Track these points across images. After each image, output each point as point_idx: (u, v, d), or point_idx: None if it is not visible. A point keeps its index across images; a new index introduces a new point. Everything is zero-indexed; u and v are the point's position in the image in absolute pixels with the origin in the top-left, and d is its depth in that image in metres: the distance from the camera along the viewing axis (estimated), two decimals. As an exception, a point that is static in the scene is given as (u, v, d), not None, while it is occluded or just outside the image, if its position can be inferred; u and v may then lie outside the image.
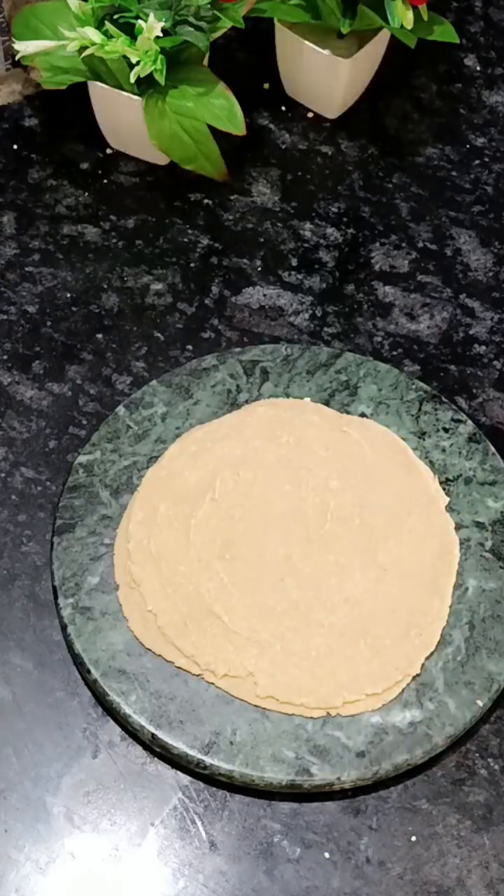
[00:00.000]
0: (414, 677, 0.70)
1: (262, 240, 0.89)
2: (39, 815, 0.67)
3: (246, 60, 0.96)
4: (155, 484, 0.75)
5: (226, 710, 0.69)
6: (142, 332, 0.84)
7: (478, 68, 0.99)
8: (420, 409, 0.80)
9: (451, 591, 0.73)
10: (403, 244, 0.90)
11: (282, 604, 0.71)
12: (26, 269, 0.86)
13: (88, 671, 0.70)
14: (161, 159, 0.90)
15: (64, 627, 0.71)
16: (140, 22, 0.81)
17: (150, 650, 0.70)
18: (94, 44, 0.82)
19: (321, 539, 0.73)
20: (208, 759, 0.67)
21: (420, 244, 0.90)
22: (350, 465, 0.76)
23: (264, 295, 0.86)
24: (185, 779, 0.68)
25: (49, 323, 0.84)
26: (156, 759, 0.69)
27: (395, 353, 0.84)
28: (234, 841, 0.67)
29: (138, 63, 0.82)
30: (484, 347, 0.85)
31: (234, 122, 0.85)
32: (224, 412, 0.79)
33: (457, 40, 0.90)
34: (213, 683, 0.69)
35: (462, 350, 0.85)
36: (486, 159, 0.94)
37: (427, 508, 0.75)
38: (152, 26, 0.80)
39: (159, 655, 0.70)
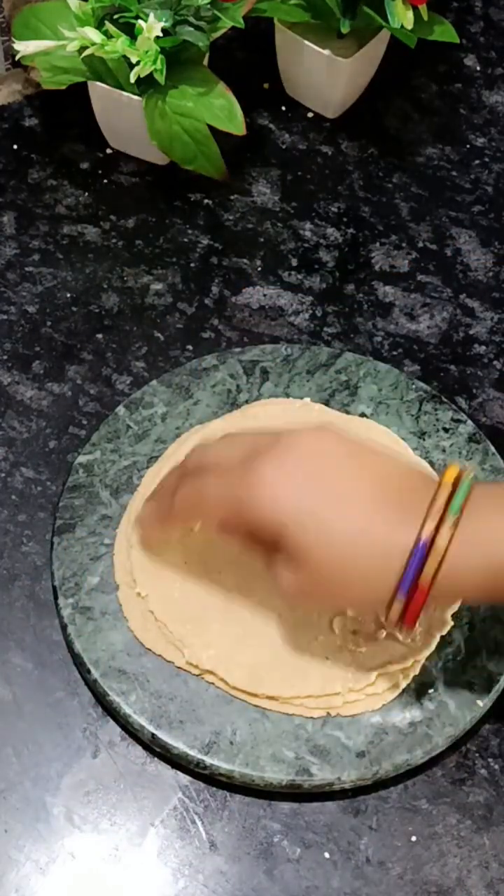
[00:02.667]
0: (414, 677, 0.70)
1: (262, 240, 0.89)
2: (39, 815, 0.67)
3: (246, 60, 0.96)
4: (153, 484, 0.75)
5: (226, 710, 0.69)
6: (142, 332, 0.84)
7: (478, 68, 1.00)
8: (420, 409, 0.80)
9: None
10: (403, 244, 0.90)
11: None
12: (26, 269, 0.86)
13: (88, 671, 0.70)
14: (161, 159, 0.90)
15: (64, 627, 0.71)
16: (140, 22, 0.81)
17: (150, 650, 0.70)
18: (94, 44, 0.82)
19: None
20: (208, 759, 0.67)
21: (420, 244, 0.90)
22: None
23: (264, 295, 0.86)
24: (185, 779, 0.68)
25: (49, 323, 0.84)
26: (156, 759, 0.69)
27: (395, 353, 0.84)
28: (234, 841, 0.67)
29: (138, 63, 0.82)
30: (484, 347, 0.85)
31: (234, 122, 0.85)
32: (224, 412, 0.79)
33: (457, 40, 0.90)
34: (212, 683, 0.69)
35: (462, 350, 0.85)
36: (486, 159, 0.94)
37: None
38: (152, 26, 0.80)
39: (159, 655, 0.70)
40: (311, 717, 0.68)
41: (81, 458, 0.77)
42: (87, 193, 0.90)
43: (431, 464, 0.77)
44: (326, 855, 0.67)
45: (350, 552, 0.61)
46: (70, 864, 0.66)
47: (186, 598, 0.71)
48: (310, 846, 0.67)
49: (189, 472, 0.67)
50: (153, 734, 0.68)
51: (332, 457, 0.63)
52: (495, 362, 0.84)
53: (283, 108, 0.96)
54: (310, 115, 0.96)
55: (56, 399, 0.81)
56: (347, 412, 0.79)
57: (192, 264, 0.88)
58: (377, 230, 0.90)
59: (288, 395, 0.80)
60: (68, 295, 0.86)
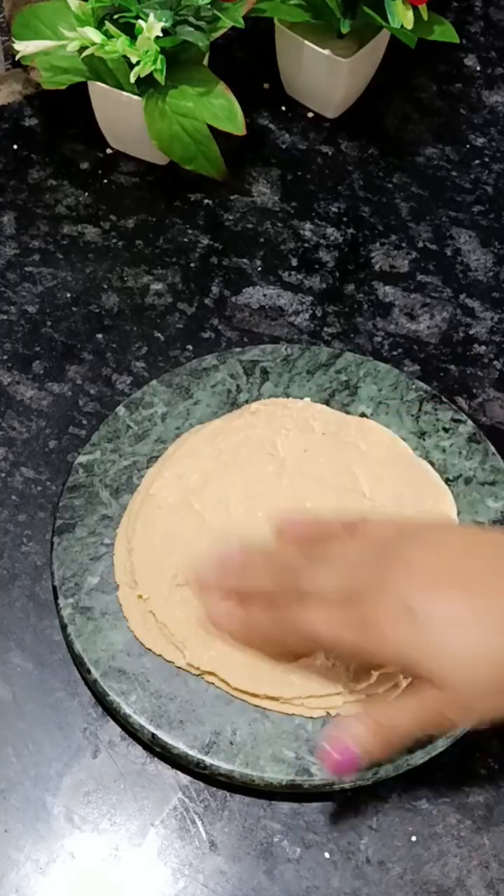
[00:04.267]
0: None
1: (262, 240, 0.89)
2: (39, 815, 0.67)
3: (246, 60, 0.96)
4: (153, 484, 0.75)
5: (226, 710, 0.69)
6: (142, 332, 0.84)
7: (478, 68, 1.00)
8: (420, 409, 0.80)
9: None
10: (403, 244, 0.90)
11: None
12: (26, 269, 0.86)
13: (88, 671, 0.70)
14: (161, 159, 0.90)
15: (64, 627, 0.71)
16: (140, 22, 0.81)
17: (150, 650, 0.70)
18: (94, 44, 0.82)
19: None
20: (208, 759, 0.67)
21: (420, 244, 0.90)
22: (352, 467, 0.76)
23: (264, 295, 0.86)
24: (185, 779, 0.68)
25: (49, 323, 0.84)
26: (156, 759, 0.69)
27: (395, 353, 0.84)
28: (234, 841, 0.67)
29: (138, 63, 0.82)
30: (484, 347, 0.85)
31: (234, 122, 0.85)
32: (224, 412, 0.79)
33: (457, 40, 0.90)
34: (212, 683, 0.69)
35: (462, 350, 0.85)
36: (486, 159, 0.94)
37: (433, 507, 0.75)
38: (152, 26, 0.80)
39: (159, 655, 0.70)
40: (312, 717, 0.68)
41: (81, 458, 0.77)
42: (87, 193, 0.90)
43: (431, 464, 0.77)
44: (326, 855, 0.67)
45: (485, 674, 0.60)
46: (70, 864, 0.66)
47: (187, 600, 0.71)
48: (310, 846, 0.67)
49: (278, 594, 0.64)
50: (153, 734, 0.68)
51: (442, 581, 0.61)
52: (495, 362, 0.84)
53: (283, 108, 0.96)
54: (310, 115, 0.96)
55: (56, 399, 0.81)
56: (347, 412, 0.79)
57: (192, 264, 0.88)
58: (377, 230, 0.90)
59: (288, 395, 0.80)
60: (68, 295, 0.86)
